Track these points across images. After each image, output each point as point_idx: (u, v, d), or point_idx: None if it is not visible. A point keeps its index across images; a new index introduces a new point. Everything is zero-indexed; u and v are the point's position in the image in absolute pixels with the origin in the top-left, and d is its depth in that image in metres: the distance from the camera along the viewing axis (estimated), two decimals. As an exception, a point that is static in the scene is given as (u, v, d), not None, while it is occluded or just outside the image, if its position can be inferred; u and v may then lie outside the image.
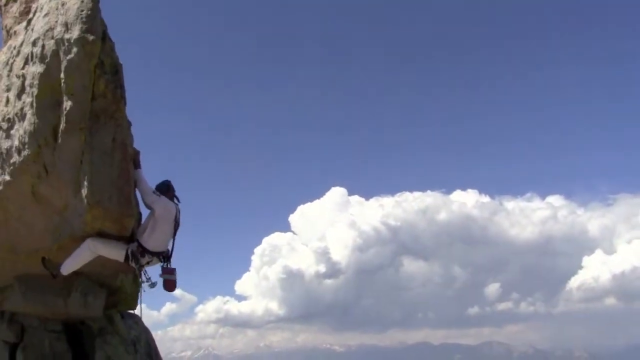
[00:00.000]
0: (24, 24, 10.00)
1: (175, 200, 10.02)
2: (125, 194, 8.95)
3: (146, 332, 17.59)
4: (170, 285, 9.88)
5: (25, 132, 9.18)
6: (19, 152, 9.34)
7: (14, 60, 9.74)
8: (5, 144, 9.65)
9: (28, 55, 9.31)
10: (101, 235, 9.42)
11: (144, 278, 9.96)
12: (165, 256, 9.90)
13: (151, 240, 9.55)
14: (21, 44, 9.69)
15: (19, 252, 10.83)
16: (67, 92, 8.63)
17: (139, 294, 12.40)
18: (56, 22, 8.84)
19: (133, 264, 9.60)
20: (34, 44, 9.18)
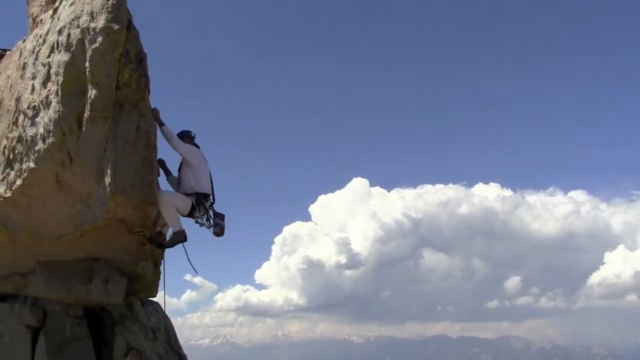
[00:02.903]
0: (50, 12, 10.02)
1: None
2: (148, 183, 9.09)
3: (166, 319, 17.68)
4: (221, 231, 10.63)
5: (50, 120, 9.23)
6: (44, 140, 9.38)
7: (40, 49, 9.77)
8: (31, 132, 9.68)
9: (54, 43, 9.34)
10: (123, 221, 9.58)
11: (209, 222, 10.53)
12: (213, 198, 10.59)
13: (200, 184, 10.20)
14: (47, 33, 9.71)
15: (41, 238, 10.91)
16: (92, 81, 8.69)
17: (162, 279, 12.59)
18: (82, 11, 8.88)
19: (200, 212, 10.25)
20: (59, 32, 9.22)
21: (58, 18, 9.52)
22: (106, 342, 13.38)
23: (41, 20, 10.39)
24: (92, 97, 8.69)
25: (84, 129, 8.92)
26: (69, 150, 9.23)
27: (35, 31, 10.43)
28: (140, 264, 12.44)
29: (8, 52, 11.79)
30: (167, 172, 10.77)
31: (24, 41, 10.96)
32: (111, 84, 8.67)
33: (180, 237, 10.33)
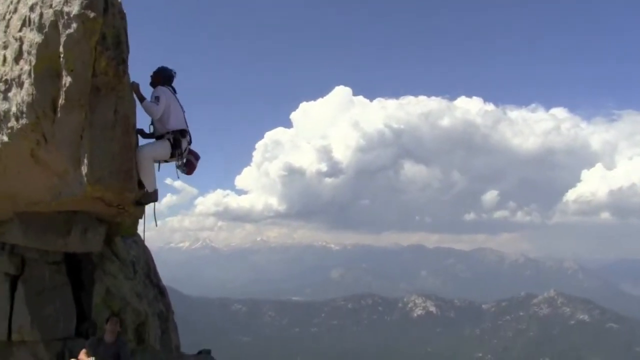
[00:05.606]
0: (21, -23, 9.33)
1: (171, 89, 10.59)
2: (126, 169, 8.86)
3: (145, 251, 17.80)
4: (191, 169, 10.89)
5: (23, 102, 8.81)
6: (17, 119, 9.00)
7: (11, 17, 9.20)
8: (3, 106, 9.27)
9: (25, 17, 8.79)
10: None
11: (181, 161, 10.65)
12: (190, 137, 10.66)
13: (173, 121, 10.21)
14: (18, 1, 9.14)
15: (18, 202, 10.72)
16: (66, 68, 8.25)
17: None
18: None
19: (178, 153, 10.34)
20: (31, 9, 8.66)
21: (29, -10, 8.89)
22: (85, 287, 13.43)
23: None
24: (67, 84, 8.28)
25: (58, 115, 8.56)
26: (44, 132, 8.89)
27: (5, -9, 9.73)
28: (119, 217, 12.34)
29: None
30: (141, 99, 10.19)
31: (-6, -3, 10.26)
32: (87, 71, 8.26)
33: (153, 197, 10.53)
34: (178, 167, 10.75)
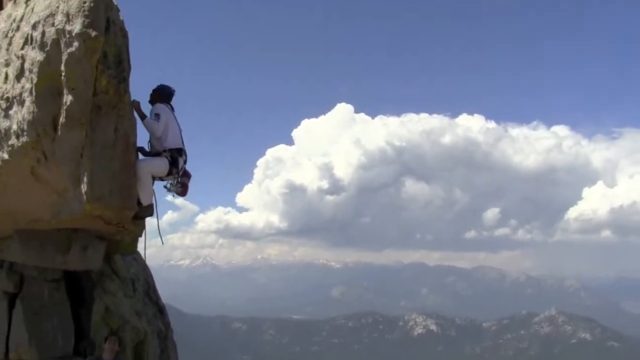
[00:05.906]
0: (25, -4, 9.44)
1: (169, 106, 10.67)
2: (126, 187, 8.89)
3: (145, 269, 17.68)
4: (185, 190, 10.88)
5: (24, 119, 8.85)
6: (18, 137, 9.03)
7: (14, 35, 9.27)
8: (4, 124, 9.31)
9: (28, 36, 8.85)
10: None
11: (174, 182, 10.64)
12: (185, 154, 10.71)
13: (171, 139, 10.33)
14: (21, 19, 9.20)
15: (18, 219, 10.71)
16: (67, 86, 8.30)
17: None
18: (57, 8, 8.37)
19: (176, 170, 10.40)
20: (33, 27, 8.72)
21: (32, 9, 8.98)
22: (85, 305, 13.35)
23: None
24: (68, 103, 8.32)
25: (59, 133, 8.59)
26: (44, 150, 8.91)
27: (8, 10, 9.85)
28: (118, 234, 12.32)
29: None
30: (142, 116, 10.34)
31: (-3, 16, 10.36)
32: (88, 90, 8.30)
33: (149, 211, 10.56)
34: (171, 187, 10.75)
